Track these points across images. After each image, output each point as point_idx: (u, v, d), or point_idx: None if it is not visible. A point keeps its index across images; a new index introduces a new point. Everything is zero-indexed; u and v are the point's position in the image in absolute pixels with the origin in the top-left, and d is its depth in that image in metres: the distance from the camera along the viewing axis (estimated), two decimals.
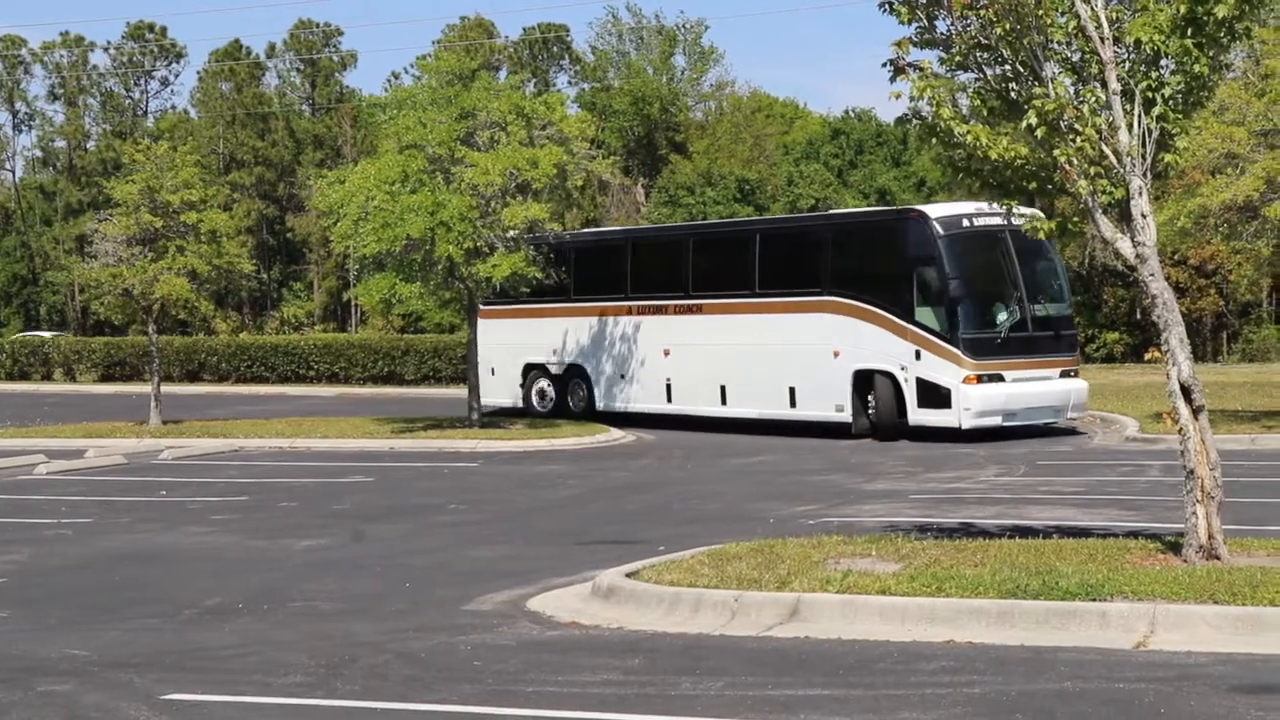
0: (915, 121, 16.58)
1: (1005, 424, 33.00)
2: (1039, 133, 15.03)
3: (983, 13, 15.34)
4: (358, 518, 22.74)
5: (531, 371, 41.32)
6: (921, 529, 18.66)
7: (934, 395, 32.68)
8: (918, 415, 33.04)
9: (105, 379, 63.60)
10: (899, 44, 15.94)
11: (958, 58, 15.89)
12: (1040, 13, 15.02)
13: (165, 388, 42.31)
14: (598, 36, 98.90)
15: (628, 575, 15.27)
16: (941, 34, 16.05)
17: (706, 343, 36.64)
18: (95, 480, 29.03)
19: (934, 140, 16.37)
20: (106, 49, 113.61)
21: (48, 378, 65.54)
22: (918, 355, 32.86)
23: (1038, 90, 15.14)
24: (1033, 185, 15.93)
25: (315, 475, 29.34)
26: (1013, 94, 15.67)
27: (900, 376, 33.17)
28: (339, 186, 36.71)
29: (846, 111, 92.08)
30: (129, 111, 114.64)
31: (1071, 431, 34.51)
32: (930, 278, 33.01)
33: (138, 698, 11.60)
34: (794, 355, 34.89)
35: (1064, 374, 33.75)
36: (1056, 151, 14.97)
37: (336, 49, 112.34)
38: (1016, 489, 24.40)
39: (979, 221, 33.10)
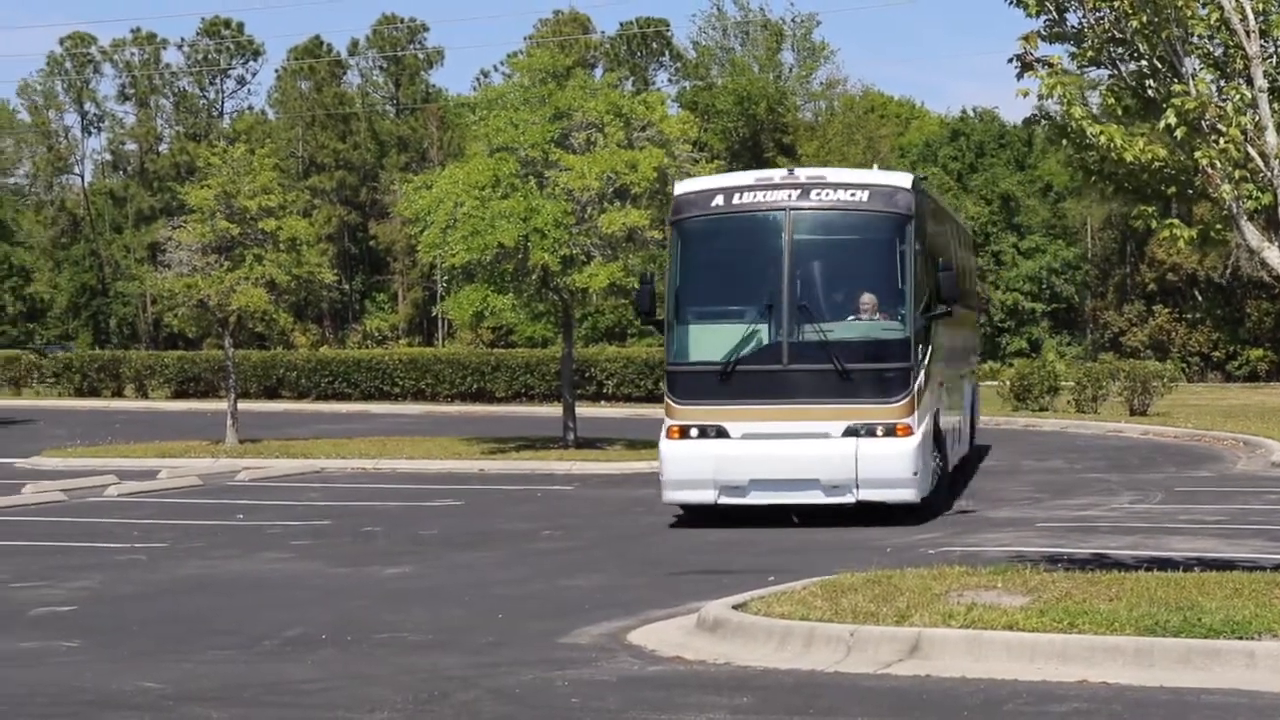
0: (1044, 122, 16.52)
1: (728, 504, 23.93)
2: (1178, 133, 14.91)
3: (1117, 4, 15.24)
4: (445, 544, 22.83)
5: None
6: (1051, 560, 18.52)
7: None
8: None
9: (178, 395, 64.20)
10: (1027, 38, 15.87)
11: (1090, 53, 15.81)
12: (1180, 4, 14.90)
13: (242, 405, 42.65)
14: (700, 31, 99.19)
15: (735, 607, 15.23)
16: (1072, 27, 15.97)
17: None
18: (169, 503, 29.31)
19: (1064, 142, 16.30)
20: (180, 46, 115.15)
21: (118, 394, 66.21)
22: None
23: (1177, 87, 15.02)
24: (1171, 190, 15.80)
25: (400, 498, 29.49)
26: (1149, 91, 15.57)
27: None
28: (425, 192, 36.90)
29: (966, 111, 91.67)
30: (203, 112, 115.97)
31: (1212, 456, 34.12)
32: (668, 281, 25.52)
33: None
34: None
35: (853, 431, 23.55)
36: (1198, 154, 14.85)
37: (422, 46, 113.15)
38: (1153, 517, 24.20)
39: (745, 199, 24.66)
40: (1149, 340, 78.62)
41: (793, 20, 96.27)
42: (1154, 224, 16.14)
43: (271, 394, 62.78)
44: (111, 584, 19.57)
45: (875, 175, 26.43)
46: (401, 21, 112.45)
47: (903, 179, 25.77)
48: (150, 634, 16.16)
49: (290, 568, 20.86)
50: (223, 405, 42.91)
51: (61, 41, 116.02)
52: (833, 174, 25.98)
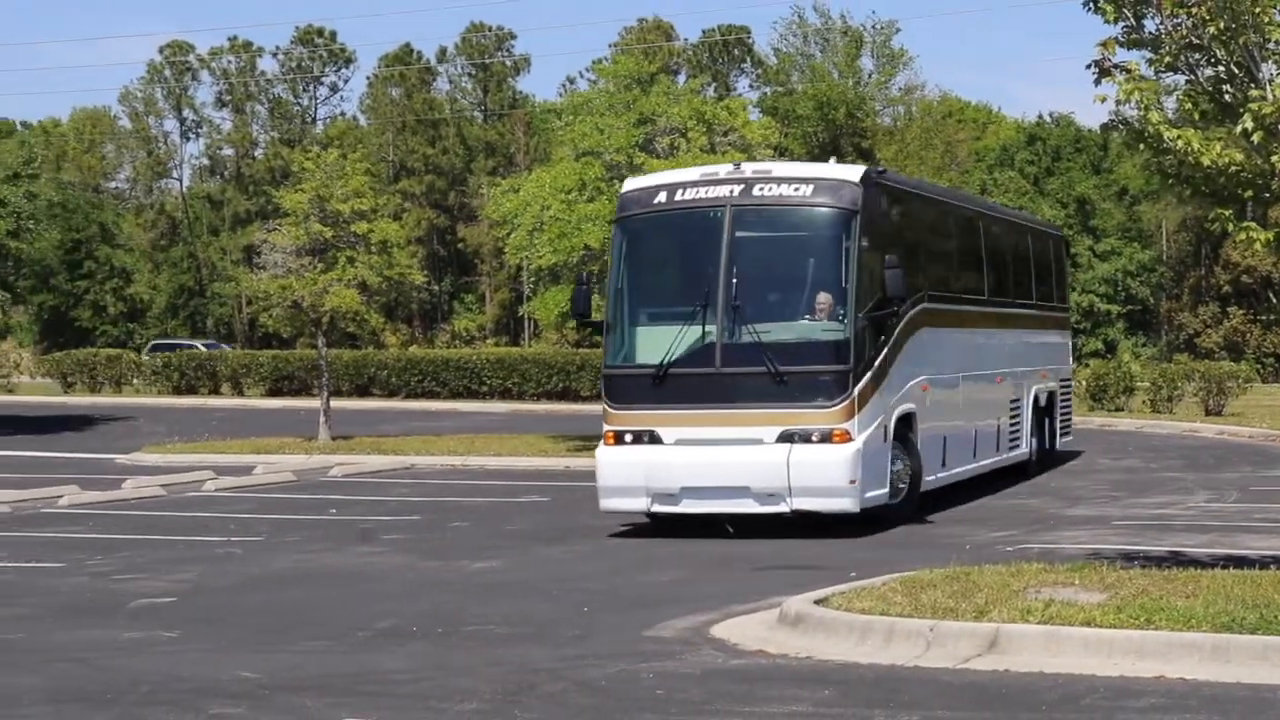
0: (1121, 127, 16.40)
1: (661, 512, 22.66)
2: (1255, 138, 14.79)
3: (1195, 10, 15.13)
4: (532, 539, 22.87)
5: None
6: (1127, 557, 18.37)
7: None
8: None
9: (273, 393, 64.56)
10: (1104, 44, 15.77)
11: (1167, 59, 15.70)
12: (1257, 10, 14.79)
13: (334, 402, 42.87)
14: (780, 38, 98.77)
15: (816, 602, 15.19)
16: (1150, 34, 15.87)
17: None
18: (264, 498, 29.49)
19: (1141, 146, 16.16)
20: (275, 54, 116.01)
21: (215, 392, 66.67)
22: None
23: (1254, 92, 14.90)
24: (1248, 193, 15.67)
25: (488, 494, 29.59)
26: (1226, 96, 15.46)
27: None
28: (513, 195, 37.01)
29: (1042, 116, 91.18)
30: (297, 118, 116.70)
31: None
32: (609, 282, 24.37)
33: None
34: None
35: (787, 436, 21.91)
36: (1274, 157, 14.73)
37: (509, 53, 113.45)
38: (1228, 516, 24.01)
39: (687, 195, 23.18)
40: (1223, 342, 78.02)
41: (872, 27, 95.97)
42: (1230, 227, 16.00)
43: (363, 392, 63.08)
44: (209, 576, 19.70)
45: (822, 168, 24.72)
46: (490, 30, 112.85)
47: (852, 172, 23.80)
48: (247, 625, 16.27)
49: (382, 561, 20.95)
50: (315, 403, 43.19)
51: (161, 50, 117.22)
52: (779, 168, 24.27)
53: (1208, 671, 12.62)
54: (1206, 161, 15.13)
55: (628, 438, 22.59)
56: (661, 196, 23.29)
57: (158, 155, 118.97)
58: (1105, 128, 17.00)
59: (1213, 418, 45.20)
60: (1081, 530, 22.66)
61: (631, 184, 24.37)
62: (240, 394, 65.88)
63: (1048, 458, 32.44)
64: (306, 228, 38.75)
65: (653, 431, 22.45)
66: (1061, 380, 33.97)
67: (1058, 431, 33.50)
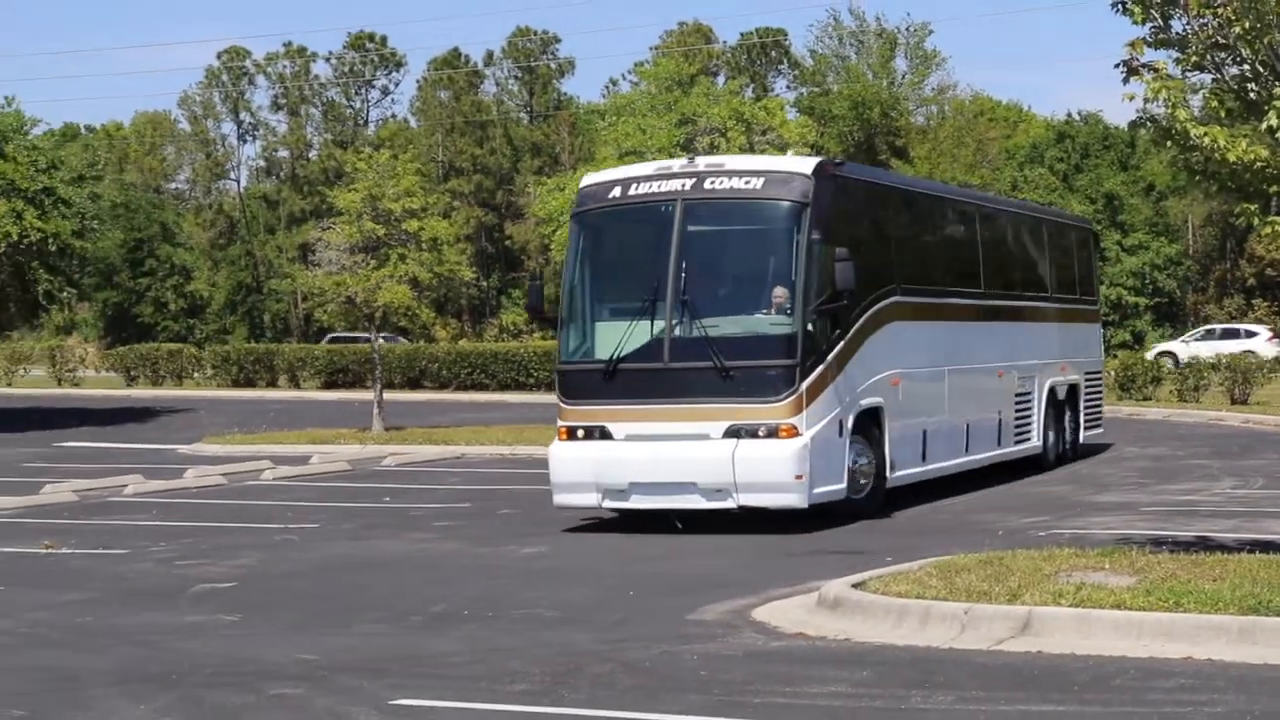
0: (1149, 124, 16.33)
1: (612, 507, 21.89)
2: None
3: (1220, 11, 15.07)
4: (577, 525, 22.86)
5: None
6: (1156, 542, 18.29)
7: None
8: None
9: (328, 386, 64.64)
10: (1133, 44, 15.72)
11: (1194, 58, 15.65)
12: None
13: (387, 394, 42.96)
14: (816, 40, 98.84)
15: (854, 586, 15.18)
16: (1177, 34, 15.81)
17: None
18: (320, 486, 29.58)
19: (1169, 143, 16.11)
20: (328, 59, 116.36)
21: (272, 384, 66.83)
22: None
23: (1278, 90, 14.81)
24: (1273, 189, 15.59)
25: (536, 482, 29.47)
26: (1252, 95, 15.39)
27: None
28: (558, 194, 37.21)
29: (1071, 115, 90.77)
30: (350, 120, 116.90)
31: None
32: (563, 276, 23.17)
33: (367, 703, 11.79)
34: None
35: (733, 432, 20.84)
36: None
37: (554, 56, 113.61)
38: (1254, 502, 23.90)
39: (641, 189, 22.09)
40: None
41: (906, 29, 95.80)
42: (1255, 221, 15.95)
43: (414, 384, 63.09)
44: (269, 562, 19.78)
45: (775, 161, 23.90)
46: (535, 34, 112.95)
47: (804, 164, 22.33)
48: (304, 609, 16.33)
49: (434, 547, 20.99)
50: (369, 395, 43.24)
51: (219, 55, 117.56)
52: (733, 161, 23.20)
53: (1235, 653, 12.57)
54: (1232, 158, 15.06)
55: (579, 433, 21.65)
56: (616, 191, 22.24)
57: (216, 157, 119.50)
58: (1133, 125, 16.95)
59: (1238, 406, 44.97)
60: (1111, 516, 22.57)
61: (589, 179, 23.38)
62: (297, 387, 66.00)
63: (1071, 449, 31.31)
64: (359, 226, 38.82)
65: (603, 427, 21.41)
66: (1088, 373, 32.63)
67: (1082, 424, 32.12)
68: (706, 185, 21.54)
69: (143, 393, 65.27)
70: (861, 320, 22.39)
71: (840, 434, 21.61)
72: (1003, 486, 26.88)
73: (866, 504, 22.44)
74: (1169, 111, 15.55)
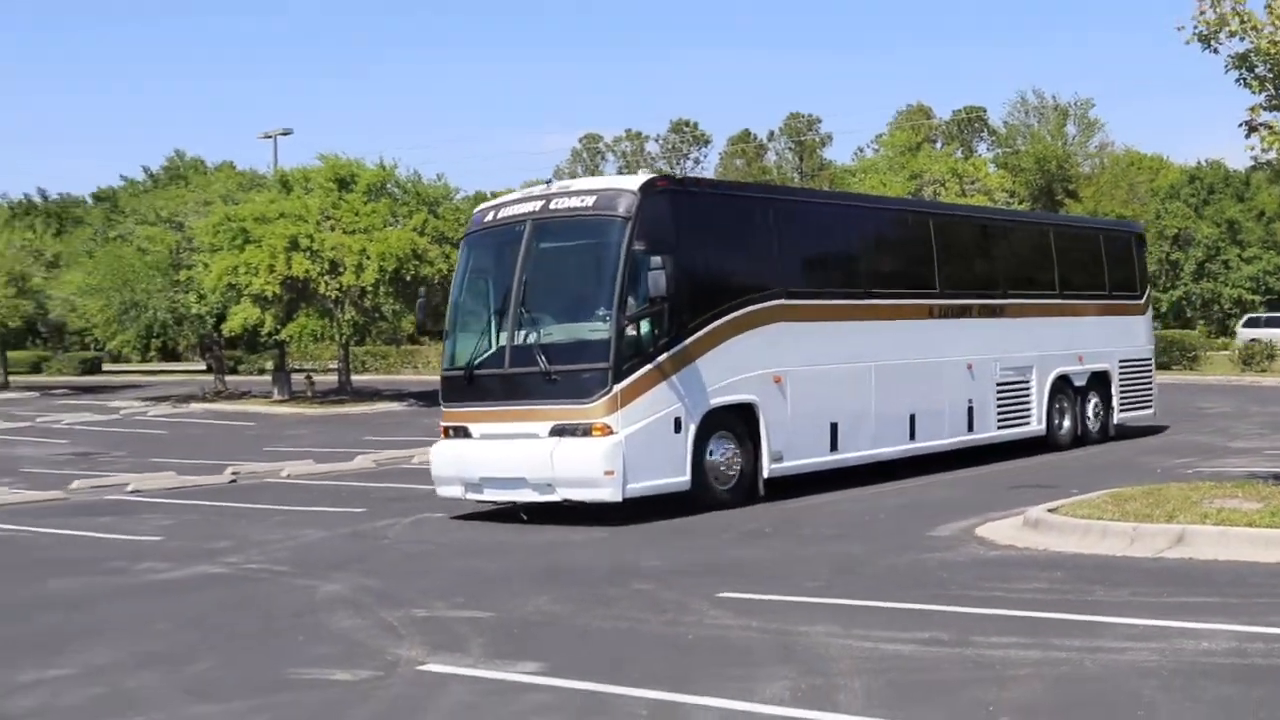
0: (1266, 167, 15.72)
1: (473, 498, 18.24)
2: None
3: None
4: (847, 480, 22.60)
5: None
6: (1276, 477, 17.54)
7: None
8: None
9: None
10: (1252, 109, 15.17)
11: None
12: None
13: None
14: (1009, 113, 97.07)
15: (1049, 510, 14.91)
16: None
17: None
18: None
19: None
20: (657, 140, 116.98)
21: None
22: None
23: None
24: None
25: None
26: None
27: None
28: None
29: (1200, 162, 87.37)
30: None
31: None
32: (450, 293, 19.62)
33: (700, 594, 11.89)
34: None
35: (557, 431, 17.02)
36: None
37: (817, 132, 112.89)
38: None
39: (505, 212, 18.60)
40: None
41: (1075, 103, 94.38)
42: None
43: None
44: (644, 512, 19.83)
45: (609, 180, 19.55)
46: (803, 116, 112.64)
47: (631, 182, 17.87)
48: (650, 534, 16.44)
49: None
50: None
51: (580, 139, 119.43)
52: (579, 183, 18.66)
53: None
54: None
55: (450, 432, 18.22)
56: (490, 214, 18.79)
57: None
58: (1252, 169, 16.34)
59: None
60: (1241, 458, 21.66)
61: (481, 205, 19.74)
62: None
63: (1101, 431, 25.55)
64: None
65: (465, 427, 18.00)
66: (1123, 360, 26.19)
67: (1115, 407, 25.97)
68: (552, 205, 17.97)
69: None
70: (717, 324, 18.05)
71: (677, 430, 17.36)
72: (1157, 435, 25.99)
73: (732, 494, 18.13)
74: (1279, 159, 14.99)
